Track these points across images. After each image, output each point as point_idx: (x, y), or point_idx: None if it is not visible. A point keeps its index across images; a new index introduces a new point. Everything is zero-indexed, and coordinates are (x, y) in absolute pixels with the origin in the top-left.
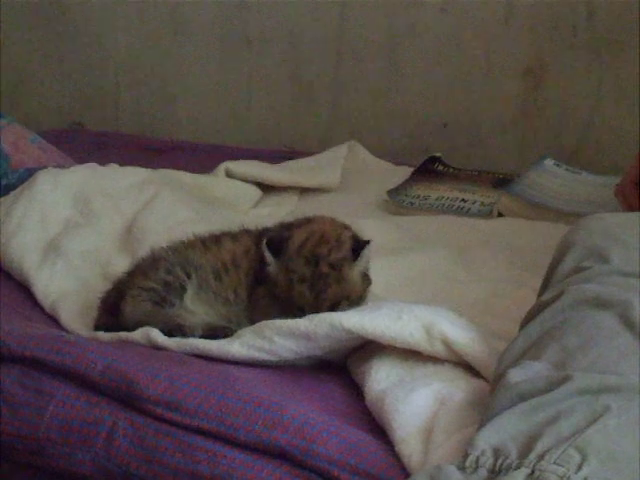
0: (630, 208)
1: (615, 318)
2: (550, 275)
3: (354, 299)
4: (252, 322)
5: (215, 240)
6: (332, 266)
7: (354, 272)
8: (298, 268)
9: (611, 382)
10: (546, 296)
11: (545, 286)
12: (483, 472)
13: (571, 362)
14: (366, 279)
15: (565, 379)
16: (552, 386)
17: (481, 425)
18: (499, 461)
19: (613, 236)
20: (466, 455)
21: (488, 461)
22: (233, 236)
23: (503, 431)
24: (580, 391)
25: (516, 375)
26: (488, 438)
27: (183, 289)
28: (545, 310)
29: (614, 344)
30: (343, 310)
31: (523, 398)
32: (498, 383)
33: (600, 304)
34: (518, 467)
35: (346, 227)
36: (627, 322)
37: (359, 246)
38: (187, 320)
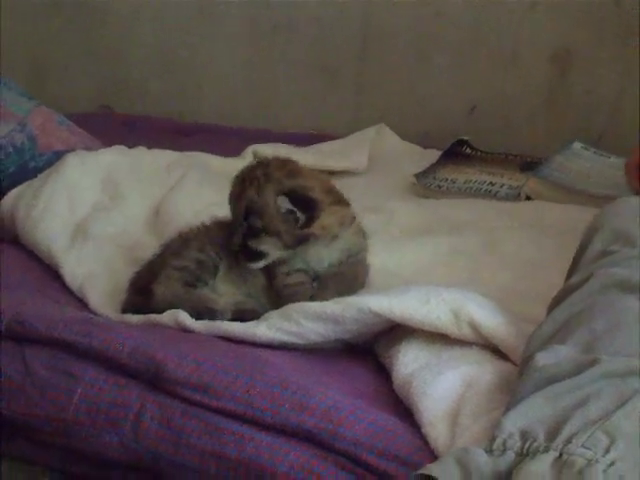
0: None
1: None
2: (578, 258)
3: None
4: (275, 302)
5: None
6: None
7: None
8: None
9: (638, 365)
10: (574, 279)
11: (573, 269)
12: (511, 455)
13: (599, 345)
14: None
15: (592, 362)
16: (579, 369)
17: (508, 408)
18: (527, 444)
19: (639, 219)
20: (493, 438)
21: (516, 444)
22: None
23: (531, 414)
24: (607, 374)
25: (544, 358)
26: (516, 421)
27: (216, 268)
28: (573, 294)
29: None
30: (262, 243)
31: (550, 381)
32: (526, 366)
33: (627, 288)
34: (546, 450)
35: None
36: None
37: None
38: (216, 302)
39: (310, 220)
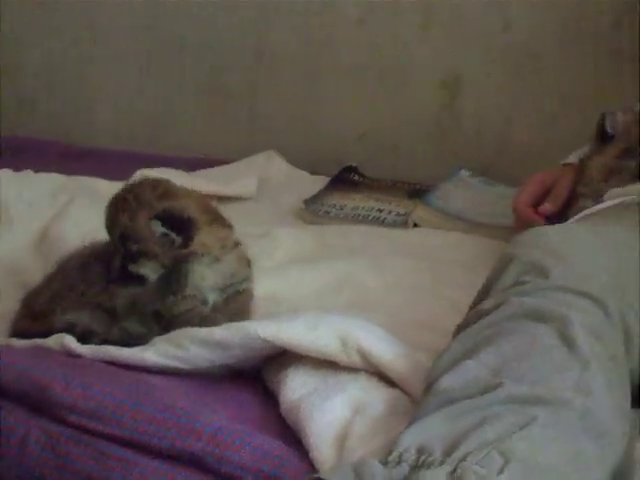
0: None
1: (553, 332)
2: (489, 287)
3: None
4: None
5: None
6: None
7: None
8: None
9: (541, 394)
10: (485, 305)
11: (482, 296)
12: (405, 467)
13: (505, 370)
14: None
15: (496, 386)
16: (482, 392)
17: (407, 425)
18: (422, 458)
19: (553, 252)
20: (390, 452)
21: (411, 457)
22: None
23: (429, 431)
24: (510, 399)
25: (447, 380)
26: (413, 436)
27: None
28: (483, 319)
29: (549, 358)
30: (141, 267)
31: (452, 402)
32: (429, 388)
33: (539, 317)
34: (440, 464)
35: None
36: (565, 337)
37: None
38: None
39: (187, 240)
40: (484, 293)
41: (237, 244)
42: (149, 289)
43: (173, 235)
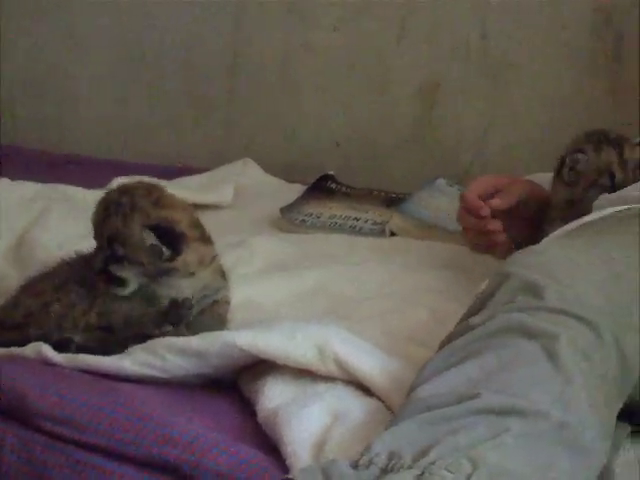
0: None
1: (538, 348)
2: (482, 303)
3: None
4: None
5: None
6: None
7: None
8: None
9: (517, 405)
10: (475, 320)
11: (474, 311)
12: (375, 470)
13: (484, 382)
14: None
15: (473, 397)
16: (458, 401)
17: (381, 432)
18: (392, 462)
19: (549, 273)
20: (361, 455)
21: (382, 461)
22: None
23: (402, 437)
24: (485, 410)
25: (426, 390)
26: (385, 442)
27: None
28: (471, 332)
29: (531, 371)
30: (123, 270)
31: (428, 409)
32: (408, 397)
33: (526, 333)
34: (409, 468)
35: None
36: (550, 353)
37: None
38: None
39: (176, 254)
40: (476, 309)
41: (215, 257)
42: (127, 303)
43: (163, 248)
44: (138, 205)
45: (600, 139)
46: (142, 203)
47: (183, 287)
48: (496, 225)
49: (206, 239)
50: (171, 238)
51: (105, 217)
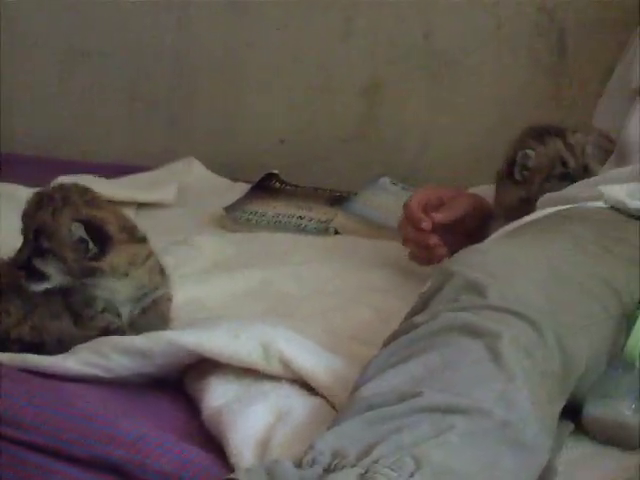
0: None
1: (482, 347)
2: (425, 302)
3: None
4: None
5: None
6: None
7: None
8: None
9: (461, 404)
10: (418, 319)
11: (418, 310)
12: (318, 469)
13: (427, 380)
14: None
15: (415, 395)
16: (401, 400)
17: (324, 431)
18: (335, 461)
19: (491, 271)
20: (305, 454)
21: (325, 460)
22: None
23: (345, 436)
24: (428, 408)
25: (369, 389)
26: (329, 441)
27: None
28: (414, 331)
29: (474, 370)
30: (47, 265)
31: (371, 408)
32: (351, 396)
33: (470, 332)
34: (352, 467)
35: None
36: (493, 352)
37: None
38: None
39: (100, 254)
40: (420, 307)
41: (149, 256)
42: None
43: (90, 244)
44: (70, 200)
45: (542, 132)
46: (75, 199)
47: (117, 288)
48: (435, 240)
49: (138, 238)
50: (100, 236)
51: (36, 210)
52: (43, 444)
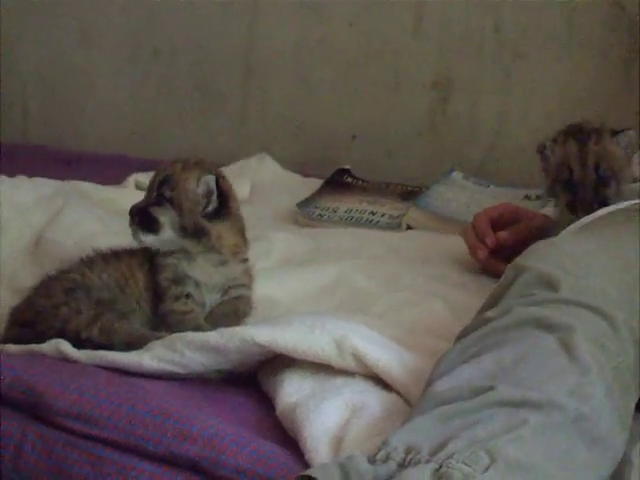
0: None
1: (555, 340)
2: (497, 297)
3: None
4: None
5: (114, 254)
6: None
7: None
8: None
9: (533, 398)
10: (490, 313)
11: (490, 304)
12: (392, 464)
13: (500, 375)
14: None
15: (488, 389)
16: (474, 395)
17: (398, 427)
18: (409, 456)
19: (564, 265)
20: (378, 450)
21: (399, 455)
22: (130, 251)
23: (418, 432)
24: (501, 403)
25: (442, 384)
26: (402, 437)
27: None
28: (487, 325)
29: (547, 364)
30: (162, 214)
31: (444, 404)
32: (425, 391)
33: (542, 325)
34: (427, 462)
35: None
36: (566, 345)
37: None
38: None
39: (218, 213)
40: (492, 302)
41: (247, 260)
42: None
43: (214, 197)
44: (203, 163)
45: (570, 131)
46: (207, 165)
47: (211, 273)
48: (485, 255)
49: (244, 234)
50: (225, 196)
51: (167, 167)
52: (119, 441)
